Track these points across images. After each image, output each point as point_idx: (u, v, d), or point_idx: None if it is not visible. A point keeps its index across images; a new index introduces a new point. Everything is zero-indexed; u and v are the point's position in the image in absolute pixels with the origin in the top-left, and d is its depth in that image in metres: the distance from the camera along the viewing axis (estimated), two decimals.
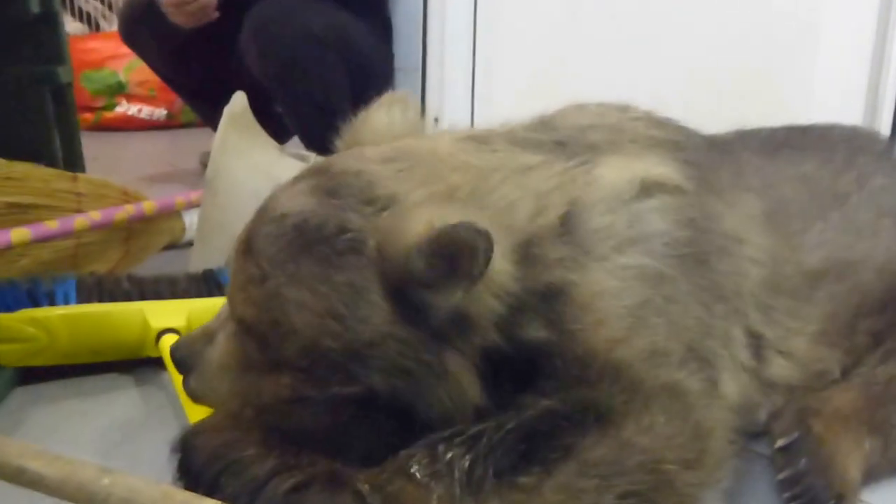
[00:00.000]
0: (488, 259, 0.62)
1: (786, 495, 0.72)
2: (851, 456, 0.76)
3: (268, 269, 0.68)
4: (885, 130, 1.92)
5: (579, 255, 0.72)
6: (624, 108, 0.89)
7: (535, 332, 0.70)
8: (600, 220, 0.73)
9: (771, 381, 0.82)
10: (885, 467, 0.80)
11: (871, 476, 0.79)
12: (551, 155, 0.77)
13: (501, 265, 0.66)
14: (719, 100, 2.05)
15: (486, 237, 0.61)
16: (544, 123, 0.83)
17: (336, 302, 0.65)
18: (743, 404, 0.77)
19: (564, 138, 0.80)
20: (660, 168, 0.79)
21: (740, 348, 0.79)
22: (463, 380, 0.69)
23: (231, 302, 0.73)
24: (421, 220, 0.63)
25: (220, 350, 0.75)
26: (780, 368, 0.83)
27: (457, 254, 0.62)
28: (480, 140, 0.77)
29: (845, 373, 0.87)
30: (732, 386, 0.77)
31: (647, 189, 0.76)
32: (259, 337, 0.69)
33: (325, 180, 0.71)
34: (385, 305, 0.66)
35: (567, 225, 0.72)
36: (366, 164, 0.72)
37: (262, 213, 0.72)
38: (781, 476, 0.72)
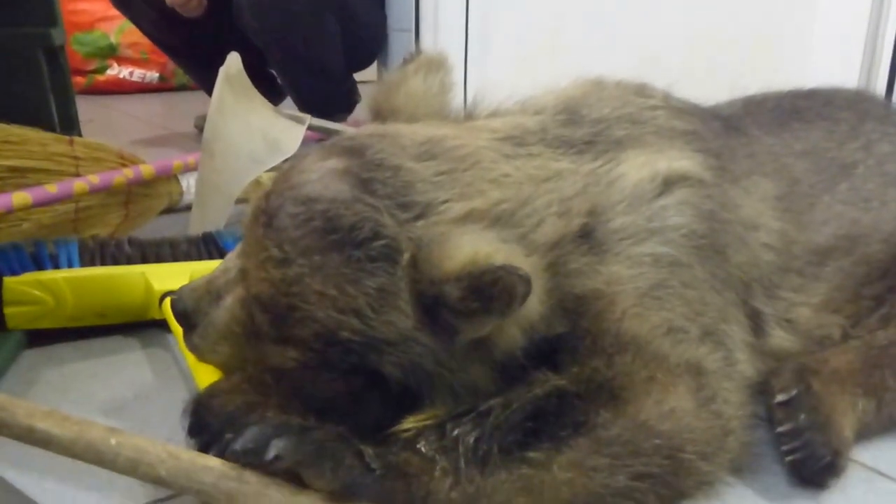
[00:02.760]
0: (524, 302, 0.63)
1: (785, 448, 0.74)
2: (846, 415, 0.78)
3: (291, 253, 0.67)
4: (881, 94, 1.92)
5: (598, 258, 0.73)
6: (641, 91, 0.88)
7: (554, 331, 0.71)
8: (620, 221, 0.74)
9: (771, 352, 0.84)
10: (876, 427, 0.82)
11: (863, 436, 0.81)
12: (579, 157, 0.78)
13: (533, 304, 0.66)
14: (717, 63, 2.04)
15: (527, 282, 0.62)
16: (571, 113, 0.82)
17: (362, 303, 0.66)
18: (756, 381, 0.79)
19: (592, 136, 0.80)
20: (681, 161, 0.80)
21: (746, 330, 0.81)
22: (478, 378, 0.70)
23: (245, 273, 0.72)
24: (463, 249, 0.63)
25: (226, 314, 0.75)
26: (780, 340, 0.85)
27: (495, 295, 0.62)
28: (517, 141, 0.76)
29: (845, 335, 0.88)
30: (748, 366, 0.79)
31: (669, 184, 0.78)
32: (272, 314, 0.69)
33: (360, 168, 0.69)
34: (412, 313, 0.66)
35: (587, 234, 0.73)
36: (403, 158, 0.70)
37: (287, 185, 0.70)
38: (781, 429, 0.74)
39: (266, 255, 0.68)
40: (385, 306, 0.66)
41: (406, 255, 0.66)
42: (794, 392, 0.75)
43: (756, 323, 0.83)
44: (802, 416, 0.74)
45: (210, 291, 0.77)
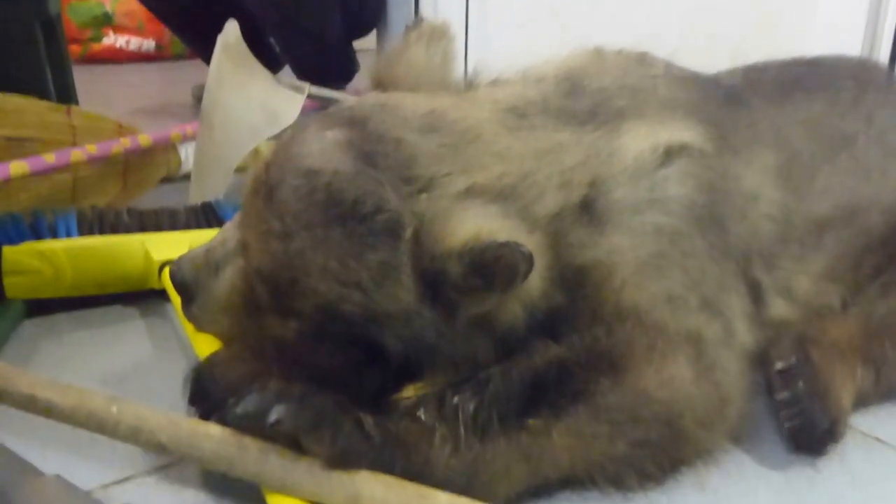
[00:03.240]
0: (526, 279, 0.63)
1: (783, 416, 0.74)
2: (845, 384, 0.78)
3: (292, 226, 0.66)
4: (884, 64, 1.91)
5: (598, 229, 0.73)
6: (642, 60, 0.87)
7: (555, 302, 0.71)
8: (621, 192, 0.74)
9: (771, 321, 0.84)
10: (875, 397, 0.83)
11: (861, 404, 0.81)
12: (581, 128, 0.77)
13: (535, 280, 0.66)
14: (718, 33, 2.02)
15: (529, 260, 0.62)
16: (573, 84, 0.81)
17: (365, 278, 0.65)
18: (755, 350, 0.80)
19: (594, 107, 0.79)
20: (683, 132, 0.79)
21: (746, 300, 0.81)
22: (479, 350, 0.70)
23: (245, 245, 0.71)
24: (465, 225, 0.63)
25: (226, 285, 0.75)
26: (779, 309, 0.85)
27: (496, 272, 0.62)
28: (520, 112, 0.76)
29: (844, 304, 0.89)
30: (748, 335, 0.79)
31: (670, 155, 0.77)
32: (273, 287, 0.69)
33: (361, 140, 0.68)
34: (414, 287, 0.66)
35: (587, 205, 0.73)
36: (405, 131, 0.69)
37: (287, 156, 0.69)
38: (779, 398, 0.74)
39: (267, 228, 0.68)
40: (387, 280, 0.66)
41: (409, 230, 0.65)
42: (792, 361, 0.75)
43: (756, 293, 0.83)
44: (801, 385, 0.74)
45: (209, 262, 0.77)
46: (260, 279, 0.70)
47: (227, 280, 0.75)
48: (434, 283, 0.65)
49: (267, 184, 0.69)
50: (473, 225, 0.63)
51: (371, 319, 0.67)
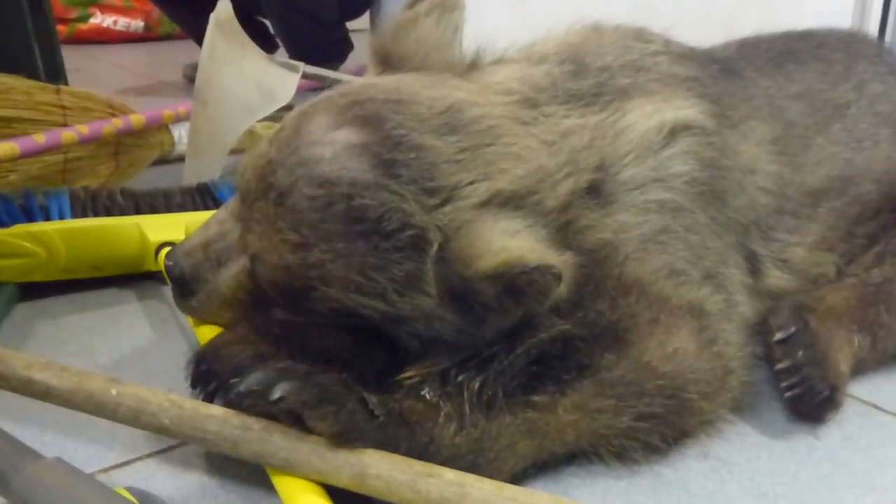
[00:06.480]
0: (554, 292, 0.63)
1: (784, 384, 0.74)
2: (842, 351, 0.79)
3: (311, 238, 0.64)
4: (873, 35, 1.91)
5: (605, 210, 0.73)
6: (640, 36, 0.87)
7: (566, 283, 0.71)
8: (629, 173, 0.74)
9: (768, 292, 0.85)
10: (871, 362, 0.84)
11: (858, 370, 0.82)
12: (587, 109, 0.77)
13: (562, 289, 0.65)
14: (711, 6, 2.01)
15: (559, 278, 0.62)
16: (576, 63, 0.80)
17: (388, 288, 0.64)
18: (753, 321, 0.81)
19: (598, 86, 0.78)
20: (685, 110, 0.79)
21: (744, 272, 0.82)
22: (493, 337, 0.69)
23: (256, 254, 0.68)
24: (493, 247, 0.62)
25: (232, 282, 0.73)
26: (776, 280, 0.86)
27: (529, 295, 0.62)
28: (532, 103, 0.74)
29: (839, 272, 0.90)
30: (747, 307, 0.80)
31: (675, 133, 0.78)
32: (287, 292, 0.67)
33: (379, 146, 0.64)
34: (437, 294, 0.65)
35: (595, 188, 0.73)
36: (424, 134, 0.66)
37: (297, 158, 0.65)
38: (779, 367, 0.75)
39: (281, 238, 0.65)
40: (410, 290, 0.64)
41: (434, 246, 0.64)
42: (791, 330, 0.76)
43: (753, 264, 0.84)
44: (800, 353, 0.74)
45: (209, 257, 0.74)
46: (273, 287, 0.68)
47: (232, 277, 0.73)
48: (463, 299, 0.65)
49: (276, 188, 0.65)
50: (501, 246, 0.62)
51: (390, 321, 0.66)
